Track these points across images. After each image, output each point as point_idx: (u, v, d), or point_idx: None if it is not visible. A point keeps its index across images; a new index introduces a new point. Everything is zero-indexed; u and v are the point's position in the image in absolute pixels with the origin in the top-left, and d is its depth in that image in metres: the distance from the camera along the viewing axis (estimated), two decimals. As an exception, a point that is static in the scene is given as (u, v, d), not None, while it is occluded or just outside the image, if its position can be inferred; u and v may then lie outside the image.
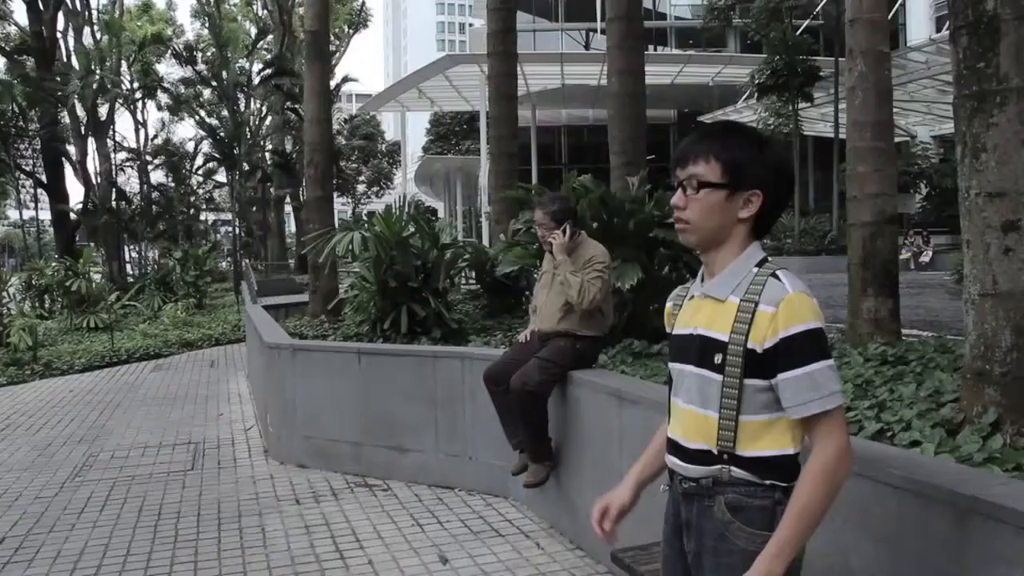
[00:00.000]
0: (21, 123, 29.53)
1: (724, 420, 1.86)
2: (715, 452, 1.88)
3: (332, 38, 35.08)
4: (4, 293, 15.63)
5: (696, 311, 1.98)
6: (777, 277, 1.85)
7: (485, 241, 22.58)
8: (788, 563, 1.76)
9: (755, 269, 1.89)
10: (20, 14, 31.55)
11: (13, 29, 33.39)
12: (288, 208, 40.43)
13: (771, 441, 1.84)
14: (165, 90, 34.70)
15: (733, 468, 1.86)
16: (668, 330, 2.12)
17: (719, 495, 1.88)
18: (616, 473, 4.29)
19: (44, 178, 29.10)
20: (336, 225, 10.39)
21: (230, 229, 37.20)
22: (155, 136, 39.46)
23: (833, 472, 1.76)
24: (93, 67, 26.70)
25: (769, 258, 1.93)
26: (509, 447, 5.15)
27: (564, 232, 4.85)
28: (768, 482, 1.84)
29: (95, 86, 26.21)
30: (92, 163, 28.85)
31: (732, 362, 1.84)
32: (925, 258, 28.37)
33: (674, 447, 2.00)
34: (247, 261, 30.63)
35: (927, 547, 2.40)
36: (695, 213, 1.93)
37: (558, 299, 4.88)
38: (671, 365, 2.06)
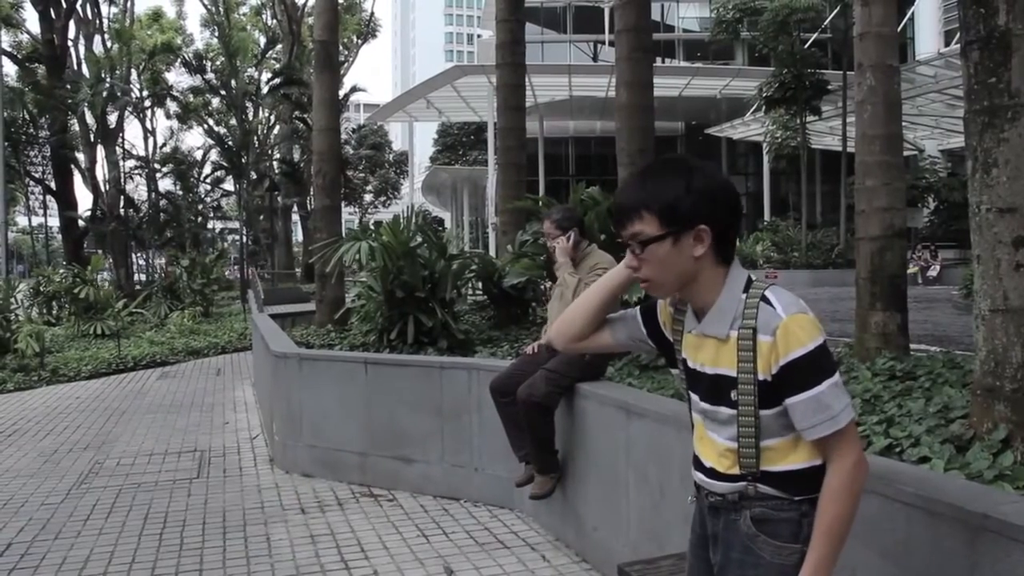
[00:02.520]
0: (31, 130, 29.76)
1: (744, 448, 1.86)
2: (739, 473, 1.89)
3: (341, 48, 35.17)
4: (12, 299, 15.65)
5: (698, 348, 1.96)
6: (768, 300, 1.82)
7: (492, 252, 22.58)
8: None
9: (742, 296, 1.86)
10: (32, 22, 31.72)
11: (25, 37, 33.64)
12: (295, 217, 40.54)
13: (798, 456, 1.84)
14: (174, 98, 34.92)
15: (759, 484, 1.86)
16: (668, 336, 2.10)
17: (745, 509, 1.89)
18: (623, 485, 4.28)
19: (53, 185, 29.27)
20: (343, 234, 10.40)
21: (237, 237, 37.33)
22: (164, 144, 39.64)
23: (851, 485, 1.77)
24: (103, 75, 26.84)
25: (752, 276, 1.90)
26: (515, 458, 5.13)
27: (568, 239, 4.88)
28: (797, 497, 1.84)
29: (105, 94, 26.32)
30: (101, 170, 28.97)
31: (745, 396, 1.84)
32: (933, 272, 28.33)
33: (698, 463, 2.00)
34: (254, 269, 30.68)
35: (936, 564, 2.38)
36: (651, 271, 1.91)
37: (563, 307, 4.86)
38: (688, 387, 2.05)
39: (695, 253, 1.86)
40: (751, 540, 1.87)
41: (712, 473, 1.94)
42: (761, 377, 1.80)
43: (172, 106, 36.30)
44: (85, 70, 28.93)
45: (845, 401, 1.78)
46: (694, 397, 2.00)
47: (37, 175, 31.97)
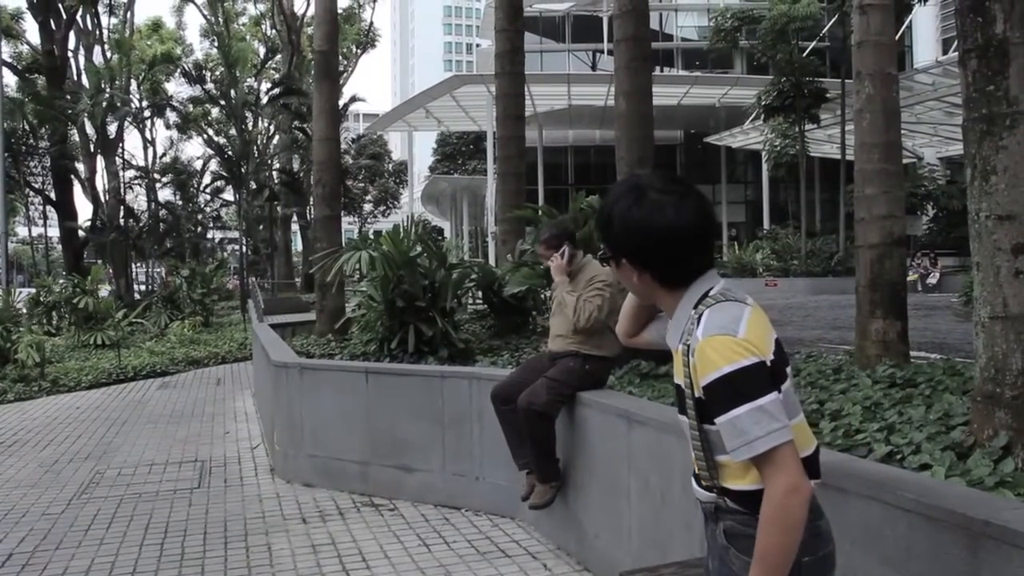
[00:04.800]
0: (31, 141, 29.81)
1: (700, 461, 1.90)
2: (708, 484, 1.91)
3: (340, 58, 35.28)
4: (12, 309, 15.65)
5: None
6: (700, 320, 1.81)
7: (492, 261, 22.60)
8: None
9: (692, 312, 1.86)
10: (32, 33, 31.79)
11: (25, 48, 33.72)
12: (295, 227, 40.57)
13: (752, 476, 1.80)
14: (174, 109, 34.95)
15: (727, 499, 1.88)
16: None
17: (720, 521, 1.91)
18: (624, 493, 4.28)
19: (53, 195, 29.33)
20: (343, 244, 10.41)
21: (237, 247, 37.32)
22: (163, 154, 39.70)
23: (782, 513, 1.69)
24: (103, 85, 26.90)
25: (714, 289, 1.87)
26: (515, 467, 5.13)
27: (562, 255, 4.93)
28: (758, 515, 1.78)
29: (105, 104, 26.38)
30: (101, 181, 29.05)
31: (690, 411, 1.86)
32: (932, 280, 28.31)
33: (693, 472, 2.02)
34: (254, 279, 30.69)
35: (937, 571, 2.39)
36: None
37: (564, 321, 4.91)
38: None
39: (634, 279, 1.93)
40: (724, 552, 1.90)
41: (697, 481, 1.98)
42: (696, 394, 1.82)
43: (172, 116, 36.33)
44: (85, 81, 29.02)
45: (770, 427, 1.69)
46: None
47: (37, 185, 32.04)
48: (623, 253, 1.90)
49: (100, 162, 28.93)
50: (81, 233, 28.17)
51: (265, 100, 33.40)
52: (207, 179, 36.27)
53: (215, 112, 39.35)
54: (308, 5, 35.74)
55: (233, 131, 33.91)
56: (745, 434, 1.70)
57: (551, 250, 5.00)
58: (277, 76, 36.69)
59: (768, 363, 1.76)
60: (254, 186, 32.22)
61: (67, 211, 28.22)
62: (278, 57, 38.99)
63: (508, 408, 4.97)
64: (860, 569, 2.61)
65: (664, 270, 1.89)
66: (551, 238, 5.05)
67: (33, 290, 21.32)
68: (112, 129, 29.38)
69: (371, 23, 44.35)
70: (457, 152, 60.44)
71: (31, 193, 32.94)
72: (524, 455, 5.00)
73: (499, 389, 5.12)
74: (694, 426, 1.86)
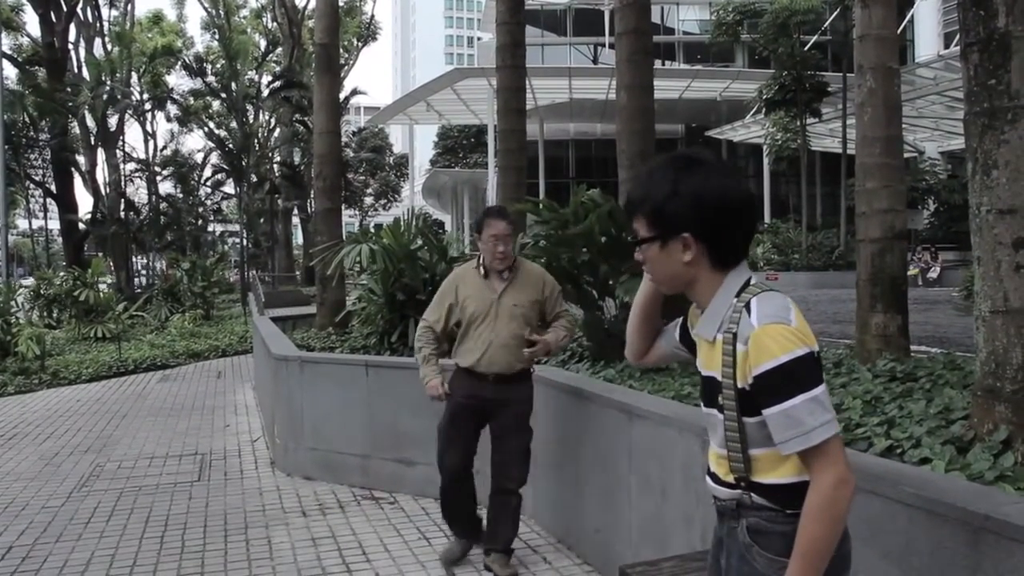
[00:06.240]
0: (32, 133, 29.78)
1: (733, 454, 1.85)
2: (734, 480, 1.87)
3: (341, 51, 35.22)
4: (12, 302, 15.65)
5: (699, 349, 1.98)
6: (749, 308, 1.78)
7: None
8: None
9: (734, 300, 1.82)
10: (32, 25, 31.78)
11: (25, 40, 33.66)
12: (296, 220, 40.52)
13: (787, 469, 1.79)
14: (175, 101, 34.87)
15: (754, 494, 1.84)
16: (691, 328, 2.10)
17: (743, 518, 1.87)
18: (624, 488, 4.28)
19: (53, 188, 29.29)
20: (344, 237, 10.40)
21: (238, 240, 37.29)
22: (164, 147, 39.63)
23: (830, 505, 1.68)
24: (104, 78, 26.86)
25: (752, 279, 1.86)
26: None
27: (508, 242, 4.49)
28: (789, 511, 1.79)
29: (105, 97, 26.36)
30: (101, 173, 29.04)
31: (728, 402, 1.82)
32: (933, 274, 28.33)
33: (708, 467, 2.00)
34: (254, 272, 30.68)
35: (938, 565, 2.39)
36: (650, 267, 1.95)
37: (517, 328, 4.47)
38: None
39: (684, 259, 1.85)
40: (746, 550, 1.86)
41: (715, 478, 1.94)
42: (740, 385, 1.78)
43: (172, 109, 36.23)
44: (86, 73, 28.97)
45: (823, 418, 1.69)
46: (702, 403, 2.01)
47: (37, 178, 31.98)
48: (687, 226, 1.83)
49: (101, 155, 28.92)
50: (81, 226, 28.15)
51: (266, 93, 33.33)
52: (208, 172, 36.22)
53: (216, 105, 39.27)
54: (309, -2, 35.71)
55: (234, 124, 33.90)
56: (801, 424, 1.68)
57: (509, 234, 4.44)
58: (278, 69, 36.58)
59: (816, 354, 1.75)
60: (255, 179, 32.20)
61: (67, 204, 28.19)
62: (279, 50, 38.89)
63: (465, 480, 4.73)
64: (860, 563, 2.60)
65: (724, 245, 1.85)
66: (509, 218, 4.51)
67: (31, 280, 21.32)
68: (113, 122, 29.37)
69: (372, 16, 44.24)
70: (458, 145, 60.44)
71: (31, 186, 32.88)
72: (502, 533, 4.63)
73: (456, 464, 4.70)
74: (732, 418, 1.81)
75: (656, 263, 1.91)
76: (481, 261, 4.54)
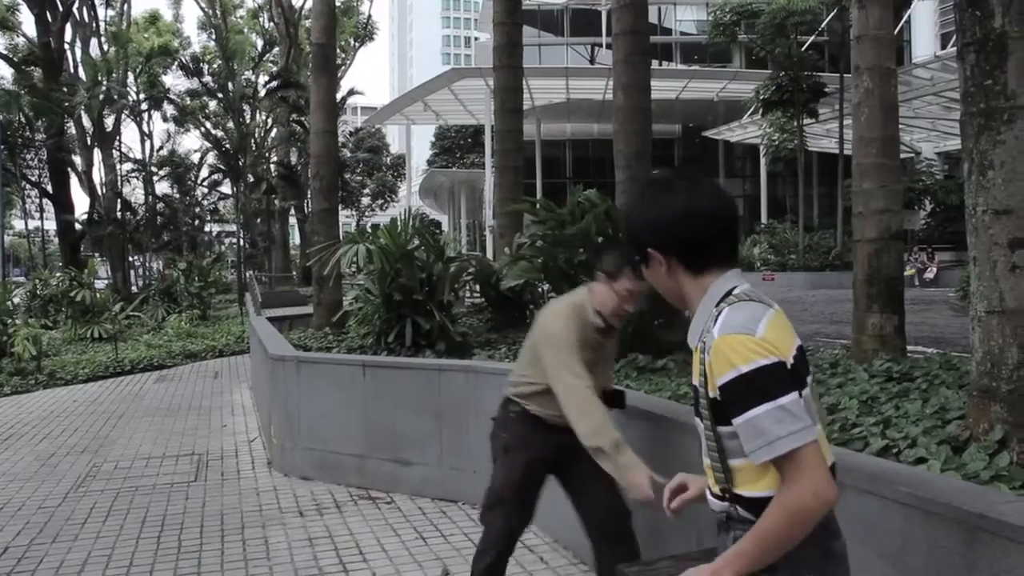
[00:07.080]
0: (28, 133, 29.74)
1: (715, 464, 1.85)
2: (721, 492, 1.87)
3: (338, 51, 35.23)
4: (8, 303, 15.64)
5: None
6: (718, 318, 1.78)
7: (489, 254, 22.60)
8: (737, 573, 1.72)
9: (714, 310, 1.82)
10: (28, 25, 31.71)
11: (21, 40, 33.64)
12: (292, 220, 40.52)
13: (768, 482, 1.76)
14: (171, 101, 34.88)
15: (739, 507, 1.84)
16: None
17: (732, 530, 1.87)
18: (621, 488, 4.27)
19: (50, 188, 29.26)
20: (341, 237, 10.40)
21: (234, 240, 37.28)
22: (161, 147, 39.65)
23: (798, 507, 1.65)
24: (100, 78, 26.84)
25: (737, 288, 1.84)
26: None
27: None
28: None
29: (102, 97, 26.33)
30: (98, 174, 29.01)
31: (704, 411, 1.83)
32: (929, 274, 28.37)
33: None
34: (251, 272, 30.66)
35: (933, 564, 2.39)
36: (654, 286, 2.02)
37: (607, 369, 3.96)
38: None
39: (663, 272, 1.92)
40: None
41: (709, 490, 1.94)
42: (711, 395, 1.78)
43: (169, 109, 36.28)
44: (82, 73, 28.96)
45: (792, 427, 1.64)
46: None
47: (34, 178, 31.99)
48: (647, 244, 1.91)
49: (97, 155, 28.89)
50: (78, 226, 28.13)
51: (263, 93, 33.35)
52: (204, 172, 36.18)
53: (213, 105, 39.31)
54: (305, -2, 35.71)
55: (231, 124, 33.87)
56: (765, 434, 1.65)
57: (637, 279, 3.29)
58: (275, 69, 36.60)
59: (788, 365, 1.72)
60: (252, 179, 32.17)
61: (64, 204, 28.16)
62: (276, 50, 38.89)
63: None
64: (857, 563, 2.60)
65: (686, 252, 1.88)
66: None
67: (24, 279, 21.29)
68: (109, 122, 29.36)
69: (369, 16, 44.26)
70: (455, 145, 60.39)
71: (28, 186, 32.89)
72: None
73: (518, 535, 4.03)
74: (709, 427, 1.82)
75: (652, 281, 1.99)
76: (598, 309, 3.57)
